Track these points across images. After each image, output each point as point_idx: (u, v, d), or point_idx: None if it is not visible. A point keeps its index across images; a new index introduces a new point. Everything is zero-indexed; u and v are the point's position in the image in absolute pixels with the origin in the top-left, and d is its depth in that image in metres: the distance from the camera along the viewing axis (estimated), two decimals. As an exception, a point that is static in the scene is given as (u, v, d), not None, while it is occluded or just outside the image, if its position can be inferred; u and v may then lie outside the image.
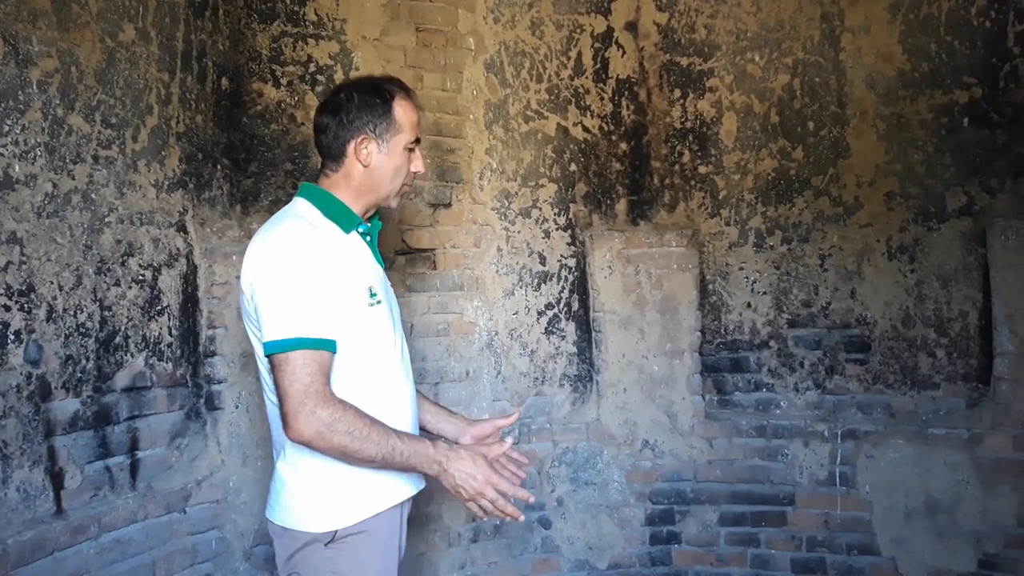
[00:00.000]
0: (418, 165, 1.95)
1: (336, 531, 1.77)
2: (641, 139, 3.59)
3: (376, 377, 1.85)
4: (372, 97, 1.89)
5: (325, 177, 1.91)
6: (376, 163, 1.88)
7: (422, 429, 2.08)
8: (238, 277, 1.88)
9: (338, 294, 1.76)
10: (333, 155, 1.90)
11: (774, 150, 3.46)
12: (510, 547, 3.28)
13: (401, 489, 1.85)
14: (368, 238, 1.95)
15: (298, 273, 1.72)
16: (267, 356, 1.71)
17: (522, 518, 1.80)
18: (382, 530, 1.82)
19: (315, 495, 1.78)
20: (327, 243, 1.81)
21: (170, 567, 2.19)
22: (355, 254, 1.88)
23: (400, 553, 1.92)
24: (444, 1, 3.18)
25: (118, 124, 2.09)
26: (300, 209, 1.87)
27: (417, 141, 1.94)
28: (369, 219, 1.97)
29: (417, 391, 2.10)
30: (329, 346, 1.72)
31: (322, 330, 1.71)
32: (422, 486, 1.94)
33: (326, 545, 1.77)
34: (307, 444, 1.68)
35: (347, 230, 1.88)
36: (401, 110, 1.89)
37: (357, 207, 1.90)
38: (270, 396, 1.81)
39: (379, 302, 1.86)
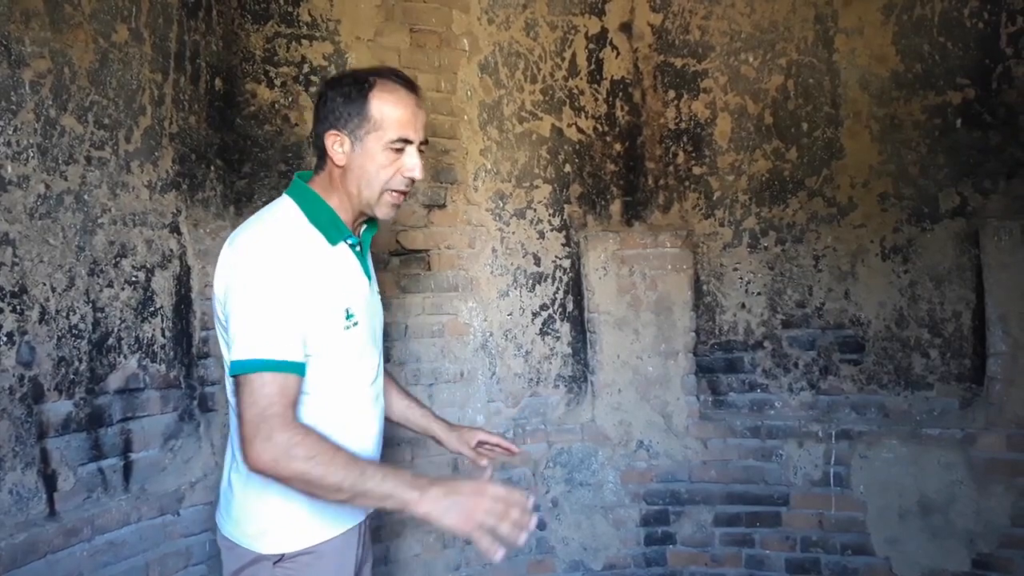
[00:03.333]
0: (412, 169, 1.69)
1: (284, 553, 1.69)
2: (635, 140, 3.59)
3: (341, 401, 1.75)
4: (349, 88, 1.69)
5: (316, 175, 1.76)
6: (349, 163, 1.68)
7: (411, 431, 2.07)
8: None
9: (311, 314, 1.62)
10: (318, 152, 1.74)
11: (768, 151, 3.47)
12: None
13: (355, 513, 1.75)
14: (358, 248, 1.79)
15: (272, 289, 1.57)
16: (232, 376, 1.59)
17: (533, 523, 1.55)
18: (334, 551, 1.73)
19: (266, 515, 1.69)
20: (307, 256, 1.65)
21: (164, 569, 2.18)
22: (338, 269, 1.72)
23: (356, 568, 1.82)
24: (438, 2, 3.18)
25: (111, 125, 2.08)
26: (284, 212, 1.71)
27: (409, 142, 1.69)
28: (365, 222, 1.83)
29: (390, 382, 2.07)
30: (296, 369, 1.58)
31: (290, 352, 1.57)
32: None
33: (274, 564, 1.68)
34: (265, 473, 1.53)
35: (334, 242, 1.71)
36: (381, 103, 1.66)
37: (346, 213, 1.74)
38: (230, 398, 1.71)
39: (356, 324, 1.73)
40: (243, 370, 1.54)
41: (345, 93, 1.68)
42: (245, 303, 1.57)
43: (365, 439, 1.82)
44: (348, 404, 1.76)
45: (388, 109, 1.67)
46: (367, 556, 1.92)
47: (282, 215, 1.70)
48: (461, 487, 1.52)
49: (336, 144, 1.68)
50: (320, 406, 1.70)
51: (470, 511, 1.49)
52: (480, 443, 2.10)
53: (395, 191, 1.71)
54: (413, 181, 1.72)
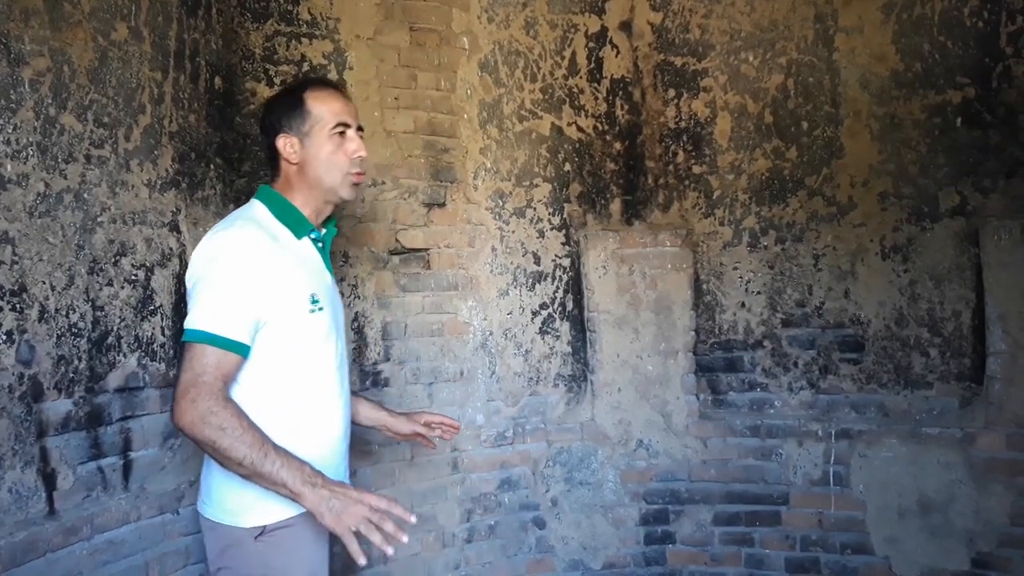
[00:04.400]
0: (356, 150, 1.96)
1: (265, 526, 1.82)
2: (635, 139, 3.59)
3: (308, 380, 1.91)
4: (284, 97, 1.99)
5: (275, 183, 2.00)
6: (304, 158, 1.94)
7: (361, 426, 2.27)
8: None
9: (275, 299, 1.81)
10: (271, 163, 2.00)
11: (768, 150, 3.47)
12: (504, 547, 3.28)
13: None
14: (320, 244, 2.01)
15: (231, 273, 1.77)
16: (181, 342, 1.78)
17: (404, 539, 1.69)
18: (310, 525, 1.86)
19: (245, 490, 1.81)
20: (274, 247, 1.85)
21: (163, 568, 2.18)
22: (303, 260, 1.93)
23: (329, 547, 1.98)
24: (438, 0, 3.18)
25: (110, 123, 2.08)
26: (254, 212, 1.93)
27: (347, 126, 1.96)
28: (325, 222, 2.04)
29: (354, 394, 2.23)
30: (237, 349, 1.76)
31: (235, 332, 1.75)
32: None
33: (255, 539, 1.82)
34: (183, 432, 1.72)
35: (299, 236, 1.94)
36: (316, 100, 1.95)
37: (309, 210, 1.97)
38: None
39: (321, 309, 1.91)
40: (189, 338, 1.75)
41: (283, 103, 1.98)
42: (206, 282, 1.78)
43: (332, 421, 1.97)
44: (317, 385, 1.93)
45: (321, 103, 1.95)
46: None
47: (252, 214, 1.93)
48: (348, 492, 1.70)
49: (287, 145, 1.95)
50: (291, 386, 1.88)
51: (344, 515, 1.66)
52: (428, 423, 2.35)
53: (352, 172, 1.97)
54: (362, 160, 1.99)
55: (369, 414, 2.31)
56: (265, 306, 1.80)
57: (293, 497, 1.69)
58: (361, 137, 2.01)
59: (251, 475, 1.70)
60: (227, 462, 1.71)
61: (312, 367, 1.92)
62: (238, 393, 1.83)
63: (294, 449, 1.80)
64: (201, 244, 1.85)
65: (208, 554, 1.93)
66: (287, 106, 1.96)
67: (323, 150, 1.94)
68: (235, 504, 1.85)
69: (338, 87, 2.05)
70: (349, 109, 2.00)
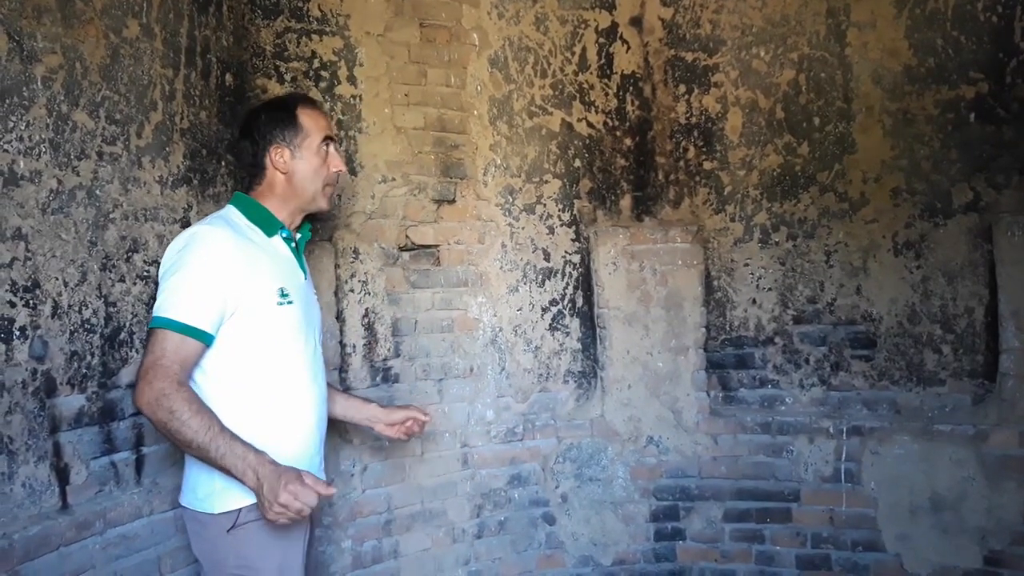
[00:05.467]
0: (337, 164, 2.16)
1: (239, 512, 1.90)
2: (646, 135, 3.58)
3: (277, 372, 1.98)
4: (277, 111, 2.14)
5: (252, 190, 2.14)
6: (293, 168, 2.10)
7: (336, 421, 2.35)
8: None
9: (241, 289, 1.91)
10: (256, 171, 2.13)
11: (779, 146, 3.45)
12: (514, 543, 3.29)
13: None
14: (293, 244, 2.15)
15: (196, 263, 1.88)
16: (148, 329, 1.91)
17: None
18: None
19: (213, 476, 1.89)
20: (242, 242, 1.98)
21: (175, 562, 2.19)
22: (273, 256, 2.06)
23: (305, 544, 2.06)
24: (448, -3, 3.18)
25: (122, 120, 2.09)
26: (226, 213, 2.09)
27: (332, 139, 2.16)
28: (298, 227, 2.18)
29: (332, 387, 2.32)
30: (197, 335, 1.85)
31: (195, 319, 1.85)
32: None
33: (228, 531, 1.90)
34: (141, 412, 1.84)
35: (270, 234, 2.09)
36: (306, 116, 2.12)
37: (283, 214, 2.12)
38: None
39: (290, 303, 2.01)
40: (152, 324, 1.88)
41: (276, 116, 2.13)
42: (172, 272, 1.90)
43: (303, 415, 2.04)
44: (287, 379, 2.01)
45: (312, 120, 2.14)
46: (308, 543, 2.13)
47: (223, 214, 2.08)
48: (276, 485, 1.77)
49: (279, 156, 2.10)
50: (261, 378, 1.95)
51: (271, 503, 1.77)
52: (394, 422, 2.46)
53: (328, 184, 2.16)
54: (340, 174, 2.20)
55: (360, 410, 2.43)
56: (231, 295, 1.89)
57: (238, 479, 1.80)
58: (336, 151, 2.20)
59: (200, 458, 1.82)
60: (179, 444, 1.82)
61: (282, 360, 2.00)
62: (208, 384, 1.91)
63: (264, 441, 1.87)
64: (173, 240, 1.98)
65: (192, 545, 2.03)
66: (280, 120, 2.11)
67: (311, 163, 2.11)
68: (205, 490, 1.93)
69: (319, 105, 2.28)
70: (331, 125, 2.22)
